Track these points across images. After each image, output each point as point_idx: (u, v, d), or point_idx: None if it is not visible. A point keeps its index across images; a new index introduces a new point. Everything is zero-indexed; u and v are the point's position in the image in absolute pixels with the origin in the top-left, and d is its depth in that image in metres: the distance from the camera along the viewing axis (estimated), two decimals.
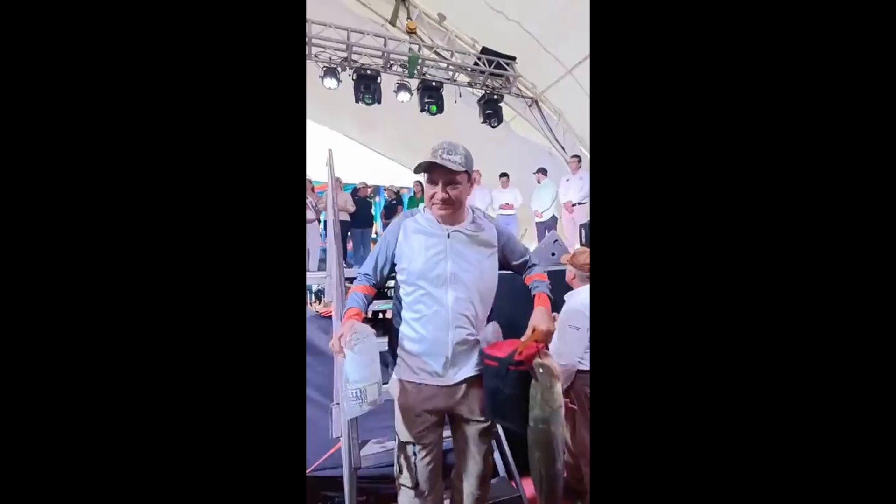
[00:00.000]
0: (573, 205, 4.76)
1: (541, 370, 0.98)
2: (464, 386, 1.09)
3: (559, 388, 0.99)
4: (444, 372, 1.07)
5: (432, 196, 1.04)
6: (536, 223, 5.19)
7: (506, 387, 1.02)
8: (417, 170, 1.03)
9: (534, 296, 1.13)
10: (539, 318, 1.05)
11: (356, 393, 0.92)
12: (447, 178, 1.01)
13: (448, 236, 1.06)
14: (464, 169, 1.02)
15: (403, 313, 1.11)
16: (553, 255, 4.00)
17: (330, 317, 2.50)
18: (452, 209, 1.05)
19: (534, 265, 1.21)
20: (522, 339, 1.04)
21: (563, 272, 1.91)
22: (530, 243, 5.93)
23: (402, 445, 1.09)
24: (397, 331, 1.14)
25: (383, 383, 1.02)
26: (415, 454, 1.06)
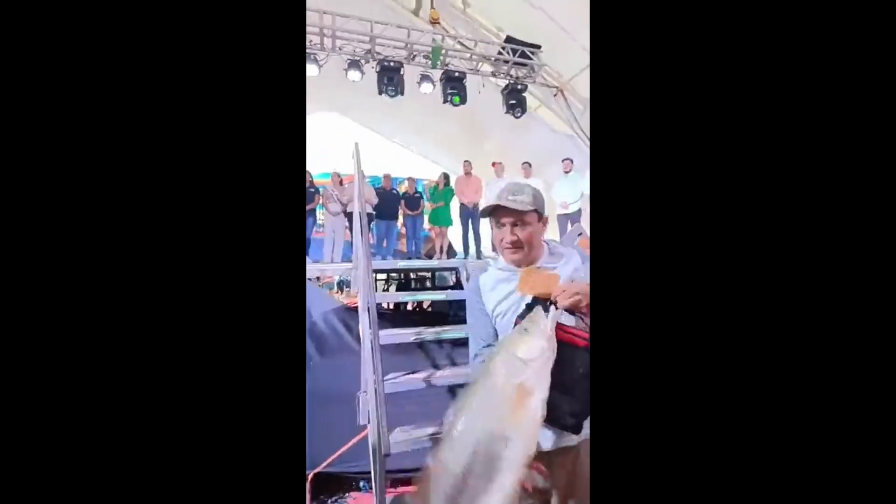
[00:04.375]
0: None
1: (532, 317, 0.79)
2: None
3: (529, 343, 0.76)
4: None
5: (501, 240, 0.96)
6: (559, 215, 5.11)
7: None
8: (483, 214, 0.98)
9: None
10: (574, 282, 0.86)
11: None
12: (514, 219, 0.93)
13: None
14: (532, 208, 0.93)
15: None
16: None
17: (356, 308, 2.57)
18: (523, 252, 0.95)
19: None
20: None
21: None
22: (552, 236, 5.86)
23: None
24: None
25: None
26: None
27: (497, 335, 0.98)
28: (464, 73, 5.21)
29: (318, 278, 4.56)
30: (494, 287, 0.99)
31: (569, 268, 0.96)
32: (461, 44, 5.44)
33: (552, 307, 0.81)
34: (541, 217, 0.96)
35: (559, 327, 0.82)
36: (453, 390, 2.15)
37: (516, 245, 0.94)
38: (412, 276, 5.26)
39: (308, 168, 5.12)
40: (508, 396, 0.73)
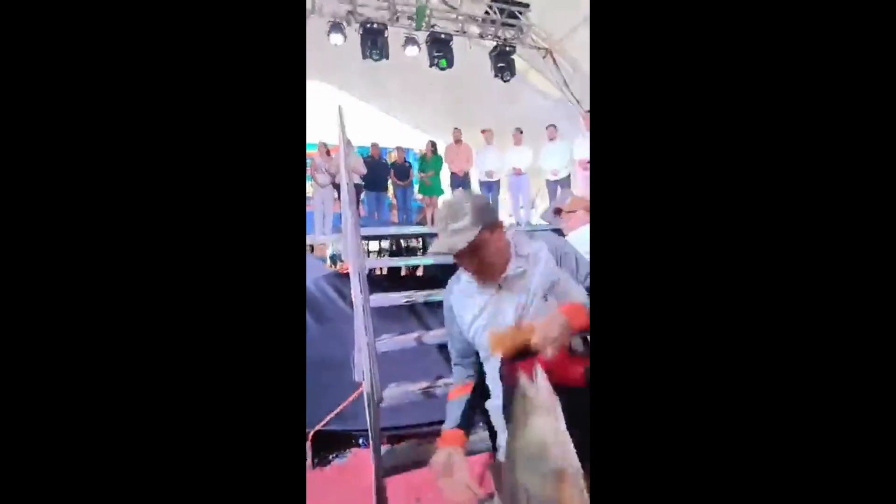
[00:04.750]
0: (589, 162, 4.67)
1: (523, 394, 0.71)
2: None
3: (537, 428, 0.68)
4: None
5: (464, 269, 0.90)
6: (548, 182, 5.12)
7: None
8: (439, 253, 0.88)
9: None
10: (548, 320, 0.78)
11: None
12: (466, 250, 0.83)
13: (499, 287, 0.88)
14: (477, 228, 0.82)
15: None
16: None
17: (347, 274, 2.61)
18: (489, 272, 0.87)
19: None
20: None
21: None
22: (542, 202, 5.88)
23: None
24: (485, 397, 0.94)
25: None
26: None
27: (474, 348, 0.93)
28: (450, 35, 5.05)
29: (311, 247, 4.57)
30: (465, 303, 0.93)
31: (539, 268, 0.88)
32: (446, 3, 5.22)
33: (538, 366, 0.73)
34: (493, 226, 0.86)
35: (549, 371, 0.75)
36: (443, 348, 2.24)
37: (480, 272, 0.87)
38: (403, 245, 5.30)
39: None
40: (555, 494, 0.66)
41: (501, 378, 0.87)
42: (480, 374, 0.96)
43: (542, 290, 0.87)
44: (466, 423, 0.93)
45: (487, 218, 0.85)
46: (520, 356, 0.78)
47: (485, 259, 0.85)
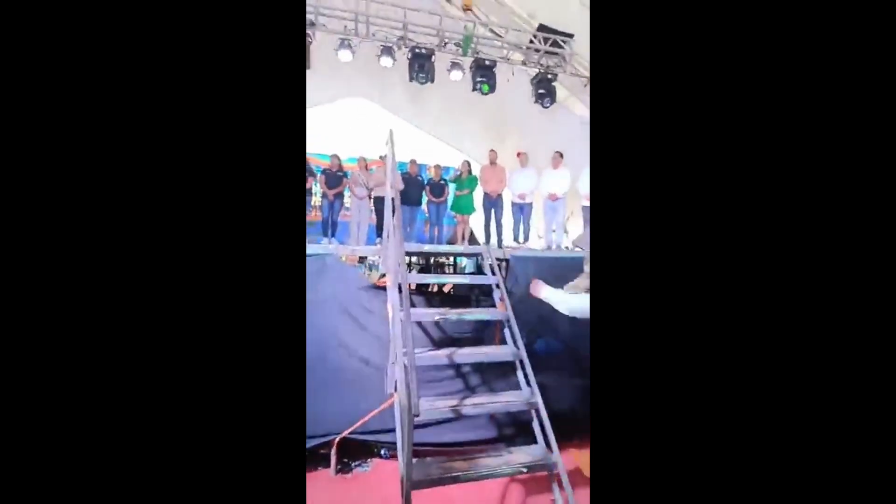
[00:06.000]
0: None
1: None
2: None
3: None
4: None
5: None
6: (584, 206, 5.10)
7: None
8: None
9: None
10: None
11: None
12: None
13: None
14: None
15: None
16: None
17: (383, 287, 2.70)
18: None
19: None
20: None
21: None
22: (575, 227, 5.84)
23: None
24: None
25: None
26: None
27: None
28: (494, 62, 5.21)
29: (345, 258, 4.74)
30: None
31: None
32: (492, 31, 5.41)
33: None
34: None
35: None
36: (477, 366, 2.25)
37: None
38: (432, 261, 5.38)
39: (337, 152, 5.28)
40: None
41: None
42: None
43: None
44: None
45: None
46: None
47: None
